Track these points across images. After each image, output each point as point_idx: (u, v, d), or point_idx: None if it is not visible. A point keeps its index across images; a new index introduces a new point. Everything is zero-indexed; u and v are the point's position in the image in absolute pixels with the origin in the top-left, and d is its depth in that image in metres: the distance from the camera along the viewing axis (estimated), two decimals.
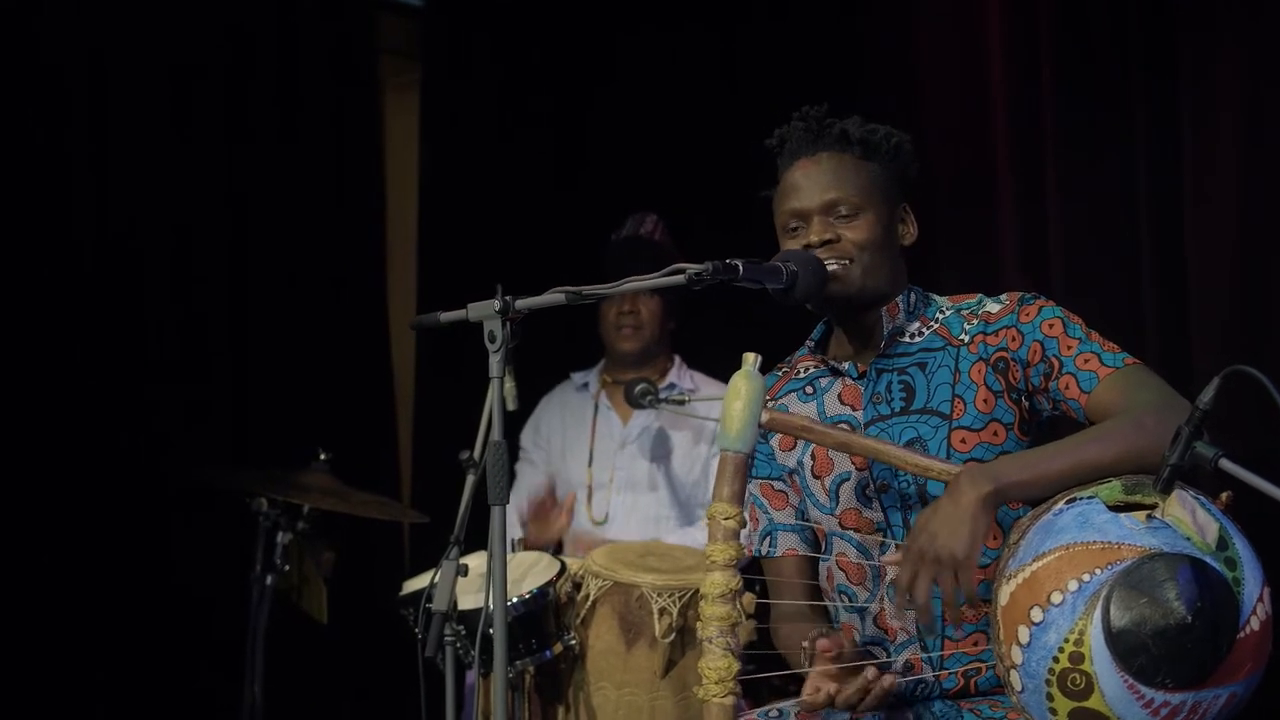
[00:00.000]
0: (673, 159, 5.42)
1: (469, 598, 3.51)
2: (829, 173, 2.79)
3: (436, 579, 3.37)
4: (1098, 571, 2.28)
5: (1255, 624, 2.30)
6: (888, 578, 2.70)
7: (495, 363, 2.74)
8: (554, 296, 2.71)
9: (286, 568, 4.34)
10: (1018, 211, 5.11)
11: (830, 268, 2.73)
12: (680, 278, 2.58)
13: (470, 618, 3.49)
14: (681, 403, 4.26)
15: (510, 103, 5.71)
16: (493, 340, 2.73)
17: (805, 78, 5.17)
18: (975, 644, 2.66)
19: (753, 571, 2.91)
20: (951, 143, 5.17)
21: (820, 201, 2.78)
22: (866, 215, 2.78)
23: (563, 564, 3.79)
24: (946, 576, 2.41)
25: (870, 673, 2.51)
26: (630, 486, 4.61)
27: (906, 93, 5.26)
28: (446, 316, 2.83)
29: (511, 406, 3.06)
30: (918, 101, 5.25)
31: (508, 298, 2.72)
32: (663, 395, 4.38)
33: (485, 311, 2.73)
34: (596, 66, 5.68)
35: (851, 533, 2.76)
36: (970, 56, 5.22)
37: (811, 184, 2.79)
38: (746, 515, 2.89)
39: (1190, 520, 2.33)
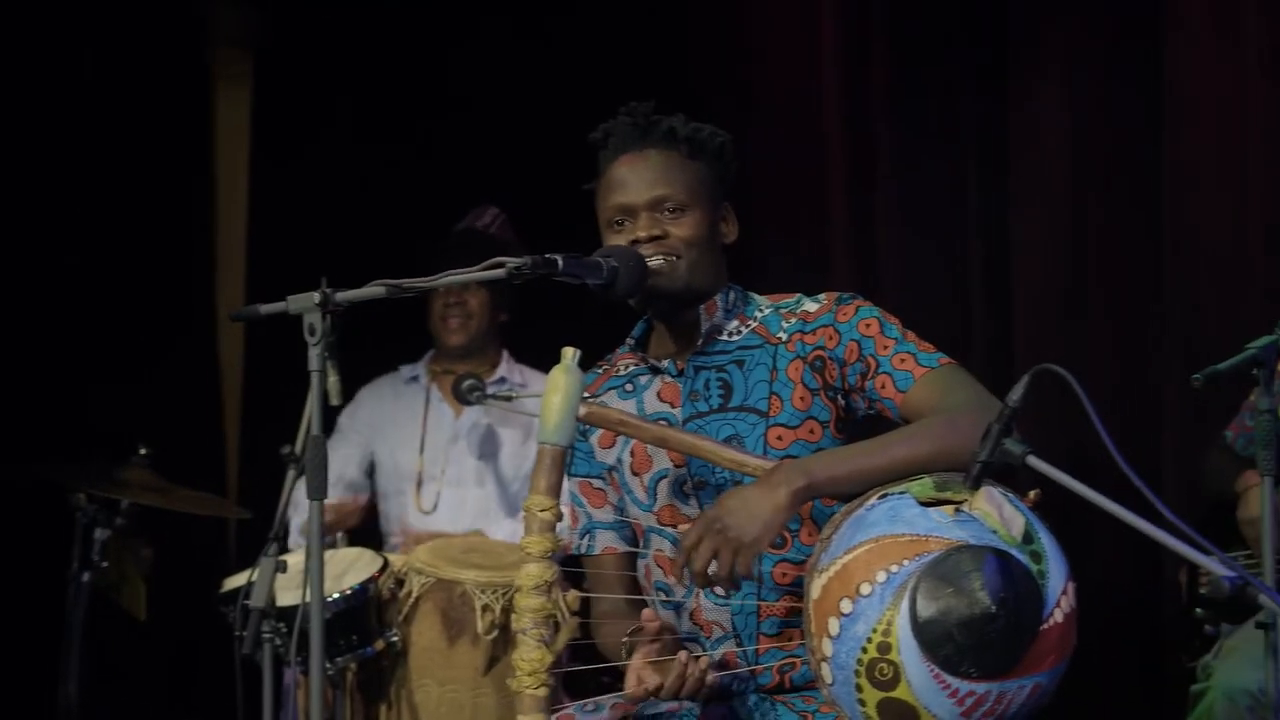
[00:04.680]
0: (509, 152, 5.39)
1: (289, 594, 3.47)
2: (657, 169, 2.79)
3: (255, 576, 3.33)
4: (906, 563, 2.32)
5: (1059, 616, 2.35)
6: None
7: (315, 356, 2.71)
8: (374, 289, 2.69)
9: (105, 565, 4.26)
10: (847, 210, 5.19)
11: (655, 263, 2.74)
12: (499, 271, 2.58)
13: (291, 614, 3.45)
14: (509, 399, 4.25)
15: (345, 95, 5.66)
16: (312, 333, 2.71)
17: (635, 73, 5.16)
18: (790, 639, 2.68)
19: (579, 569, 2.92)
20: (782, 141, 5.22)
21: (648, 197, 2.78)
22: (693, 212, 2.79)
23: (385, 560, 3.77)
24: (727, 553, 2.44)
25: (683, 656, 2.53)
26: (459, 481, 4.59)
27: (737, 89, 5.31)
28: (266, 309, 2.79)
29: (335, 401, 3.03)
30: (749, 99, 5.30)
31: (327, 290, 2.69)
32: (490, 391, 4.37)
33: (305, 304, 2.70)
34: (431, 58, 5.63)
35: (669, 529, 2.77)
36: (802, 55, 5.29)
37: (639, 179, 2.79)
38: (566, 512, 2.91)
39: (997, 514, 2.37)
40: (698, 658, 2.55)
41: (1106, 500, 2.21)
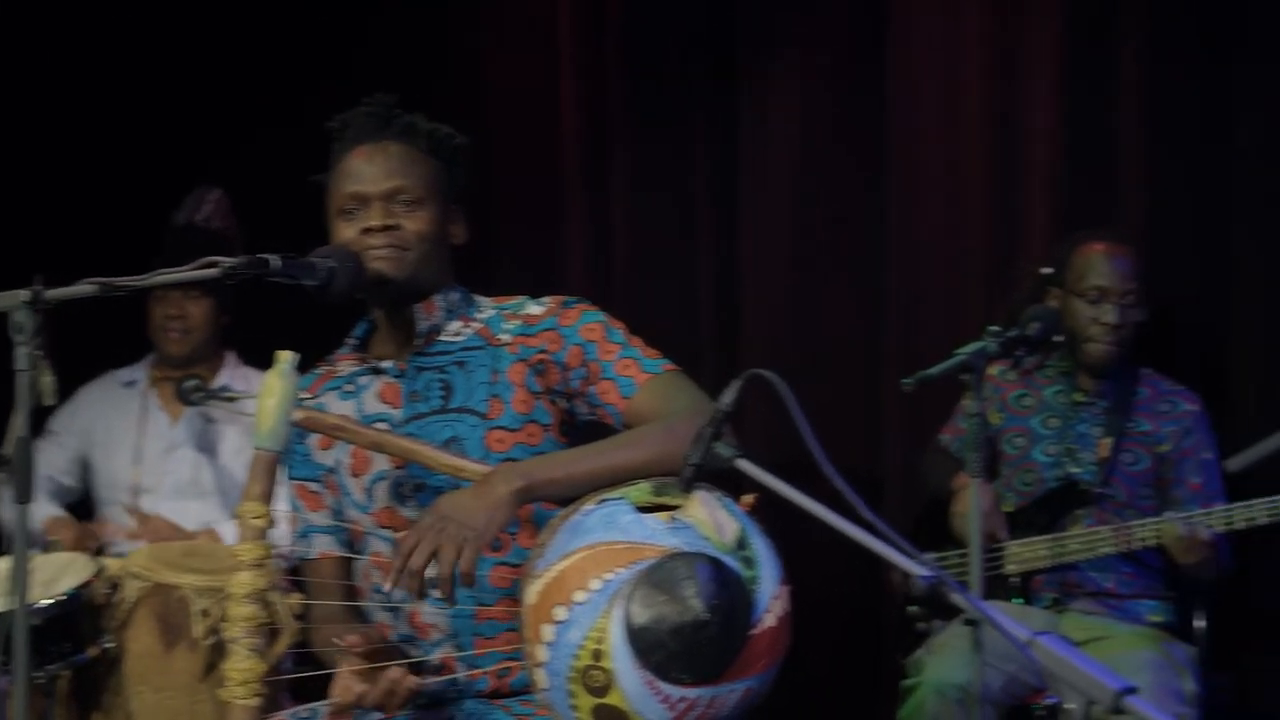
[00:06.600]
0: (241, 143, 5.27)
1: None
2: (395, 160, 2.78)
3: None
4: (620, 570, 2.33)
5: (771, 620, 2.38)
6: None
7: (22, 355, 2.62)
8: (85, 288, 2.61)
9: None
10: (584, 215, 5.21)
11: (382, 253, 2.72)
12: (213, 271, 2.53)
13: None
14: (232, 399, 4.17)
15: (64, 82, 5.47)
16: (20, 331, 2.62)
17: (378, 68, 5.10)
18: (508, 643, 2.68)
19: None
20: (517, 141, 5.23)
21: (384, 188, 2.76)
22: (427, 208, 2.78)
23: (100, 565, 3.68)
24: (450, 550, 2.42)
25: (394, 673, 2.50)
26: (179, 491, 4.45)
27: (475, 94, 5.30)
28: None
29: (49, 401, 2.93)
30: (486, 101, 5.29)
31: (37, 287, 2.61)
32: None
33: (10, 301, 2.60)
34: (155, 33, 5.45)
35: (387, 531, 2.75)
36: (541, 65, 5.30)
37: (376, 170, 2.77)
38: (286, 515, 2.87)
39: (710, 520, 2.40)
40: (411, 673, 2.53)
41: (809, 501, 2.24)
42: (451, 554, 2.42)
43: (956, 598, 2.07)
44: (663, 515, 2.40)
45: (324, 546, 2.85)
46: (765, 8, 4.99)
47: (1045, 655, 1.93)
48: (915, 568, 2.13)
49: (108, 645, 3.57)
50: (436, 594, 2.49)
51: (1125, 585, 4.01)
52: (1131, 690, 1.85)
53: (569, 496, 2.50)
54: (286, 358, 2.54)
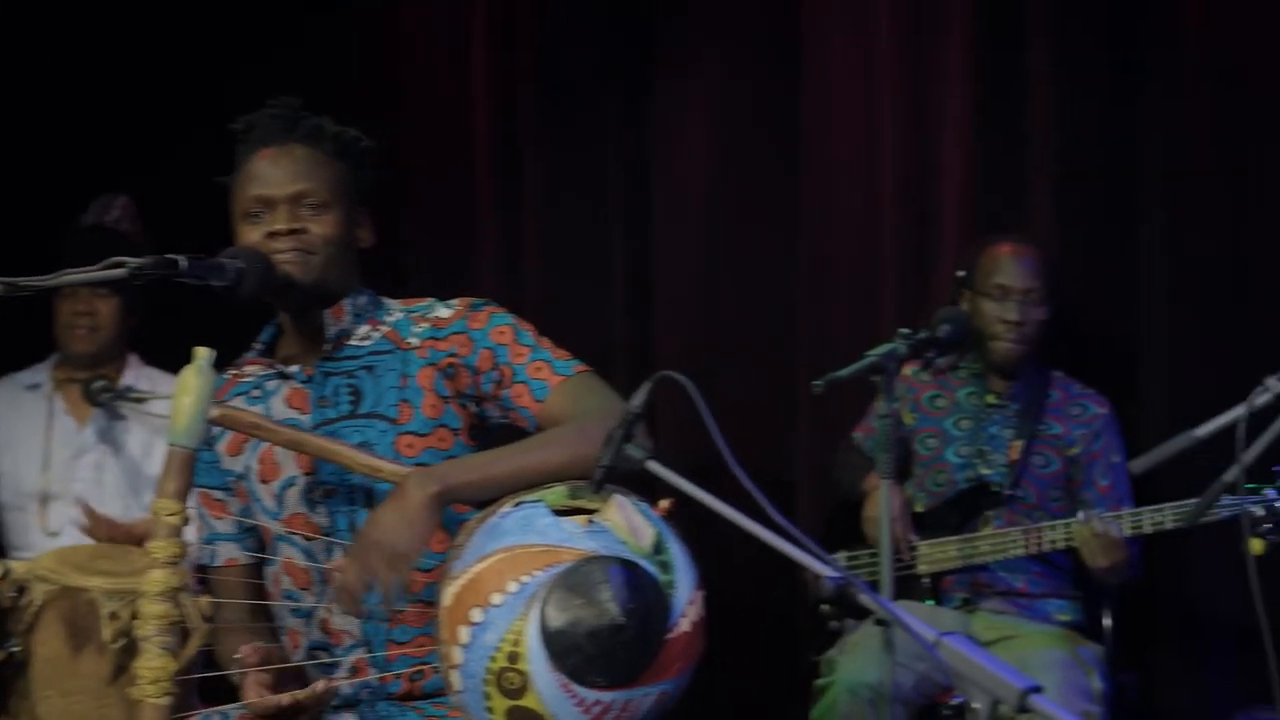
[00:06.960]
0: (146, 141, 5.22)
1: None
2: (301, 163, 2.75)
3: None
4: (537, 573, 2.33)
5: (686, 625, 2.38)
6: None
7: None
8: None
9: None
10: (496, 217, 5.21)
11: (289, 257, 2.70)
12: (120, 271, 2.50)
13: None
14: (141, 399, 4.12)
15: None
16: None
17: (289, 72, 5.07)
18: (420, 646, 2.67)
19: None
20: (429, 146, 5.21)
21: (290, 191, 2.73)
22: (333, 211, 2.76)
23: (7, 568, 3.63)
24: (386, 575, 2.44)
25: (319, 685, 2.52)
26: (87, 496, 4.38)
27: (385, 97, 5.28)
28: None
29: None
30: (396, 109, 5.27)
31: None
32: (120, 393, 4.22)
33: None
34: (62, 35, 5.39)
35: (298, 536, 2.73)
36: (453, 68, 5.29)
37: (282, 173, 2.74)
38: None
39: (627, 524, 2.40)
40: (332, 684, 2.54)
41: (718, 502, 2.25)
42: (388, 580, 2.44)
43: (865, 599, 2.08)
44: (580, 519, 2.40)
45: (228, 555, 2.84)
46: (678, 13, 5.00)
47: (952, 655, 1.94)
48: (823, 569, 2.14)
49: (14, 649, 3.52)
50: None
51: (1035, 585, 4.05)
52: (1037, 689, 1.87)
53: (485, 499, 2.50)
54: (203, 354, 2.51)
